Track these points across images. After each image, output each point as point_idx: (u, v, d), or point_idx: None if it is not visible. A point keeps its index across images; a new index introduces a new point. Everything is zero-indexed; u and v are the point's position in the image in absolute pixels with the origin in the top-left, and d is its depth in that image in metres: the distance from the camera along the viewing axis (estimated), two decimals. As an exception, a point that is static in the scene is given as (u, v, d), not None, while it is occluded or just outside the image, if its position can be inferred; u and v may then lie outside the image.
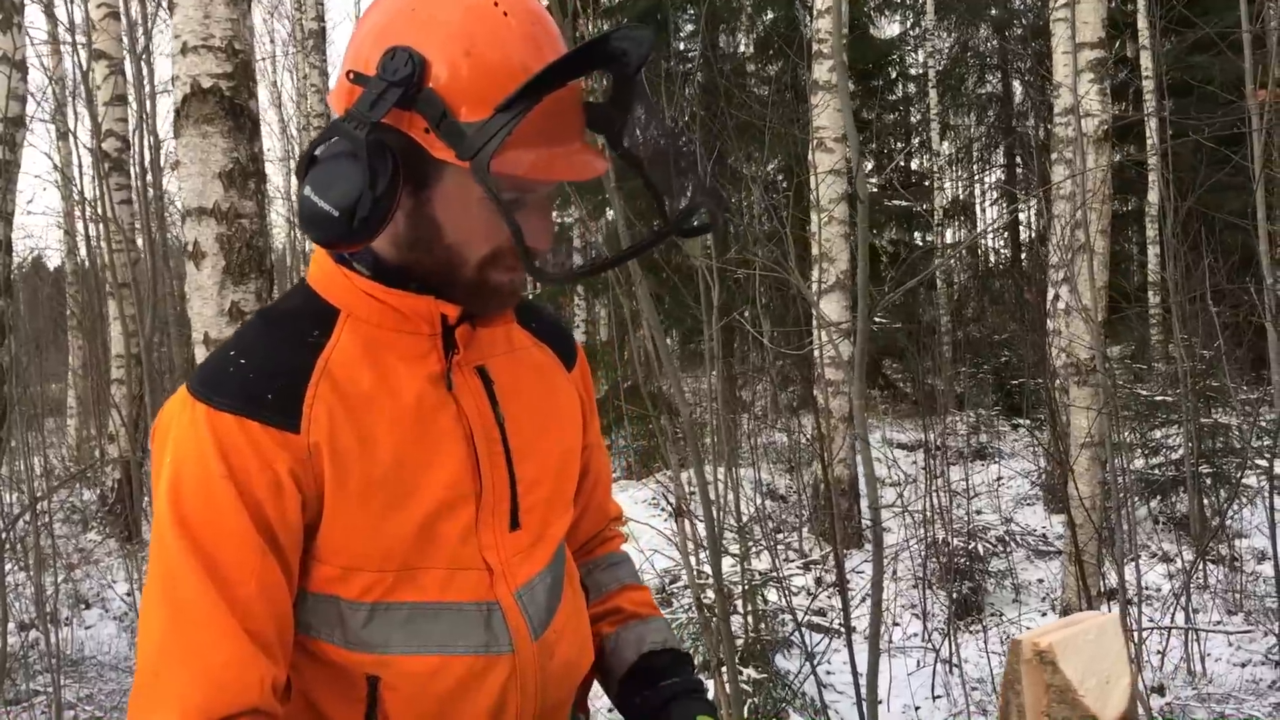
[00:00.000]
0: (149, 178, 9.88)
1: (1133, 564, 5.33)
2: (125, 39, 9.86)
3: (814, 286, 6.69)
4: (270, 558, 1.09)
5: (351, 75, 1.10)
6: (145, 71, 10.40)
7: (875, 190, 12.42)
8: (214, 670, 1.04)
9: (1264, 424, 6.96)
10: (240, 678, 1.05)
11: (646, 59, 1.11)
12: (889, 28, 15.81)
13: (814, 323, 6.27)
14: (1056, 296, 6.34)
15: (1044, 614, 6.29)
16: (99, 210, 8.78)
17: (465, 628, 1.17)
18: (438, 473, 1.15)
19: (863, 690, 3.58)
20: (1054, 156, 6.90)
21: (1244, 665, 5.41)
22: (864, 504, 7.71)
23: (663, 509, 8.07)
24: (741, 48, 13.99)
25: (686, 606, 4.99)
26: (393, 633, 1.15)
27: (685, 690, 1.37)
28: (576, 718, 1.39)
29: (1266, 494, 7.42)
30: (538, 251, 1.13)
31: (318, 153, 1.11)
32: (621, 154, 1.17)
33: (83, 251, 12.72)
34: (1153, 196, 11.80)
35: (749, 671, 4.26)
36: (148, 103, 10.02)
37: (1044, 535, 7.87)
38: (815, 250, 6.56)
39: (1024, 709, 1.13)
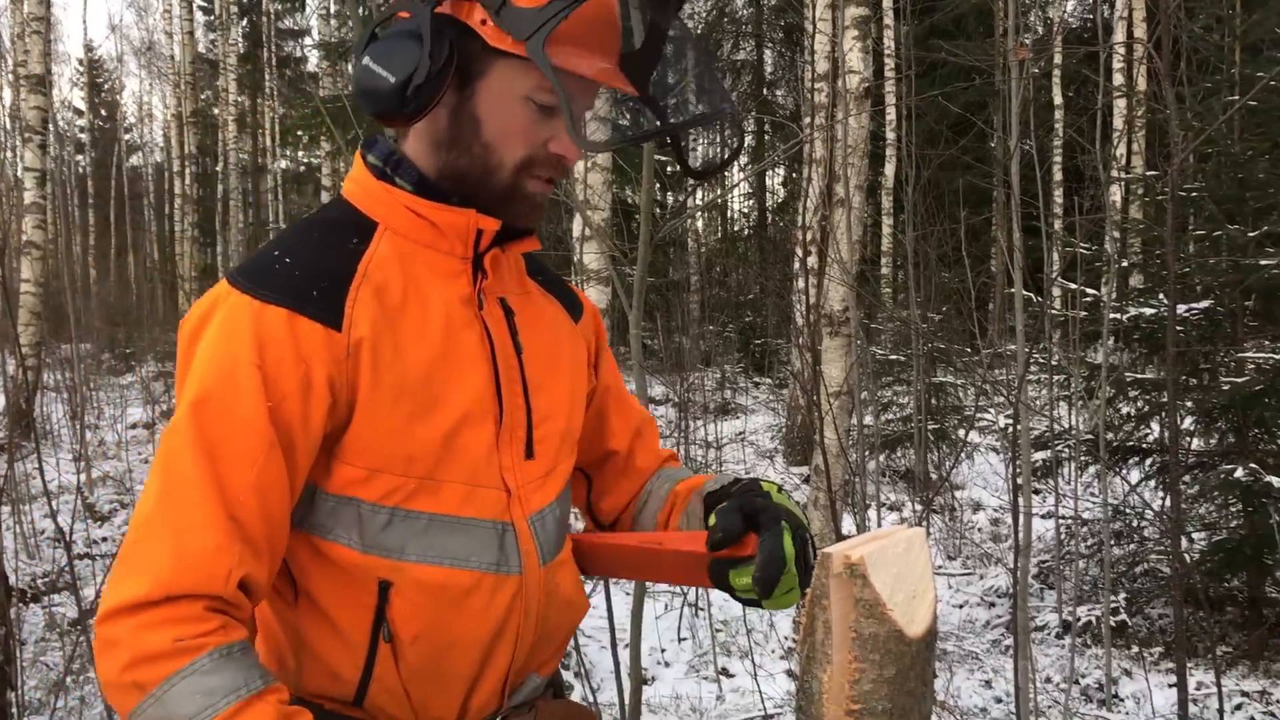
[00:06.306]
0: None
1: (870, 511, 5.59)
2: None
3: (574, 234, 6.61)
4: (277, 453, 1.08)
5: None
6: None
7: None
8: (187, 550, 1.04)
9: (984, 386, 7.47)
10: (211, 564, 1.04)
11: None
12: (649, -12, 15.91)
13: (573, 269, 6.19)
14: (809, 252, 6.54)
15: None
16: None
17: (480, 544, 1.19)
18: (463, 387, 1.18)
19: (619, 634, 3.56)
20: (805, 121, 7.11)
21: (962, 606, 5.81)
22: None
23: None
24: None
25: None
26: (410, 540, 1.16)
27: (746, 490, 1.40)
28: (558, 677, 1.41)
29: (984, 449, 8.02)
30: (572, 153, 1.20)
31: (378, 31, 1.19)
32: (645, 97, 1.24)
33: None
34: (889, 169, 12.46)
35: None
36: None
37: (780, 486, 8.18)
38: (581, 196, 6.46)
39: (831, 624, 1.06)
